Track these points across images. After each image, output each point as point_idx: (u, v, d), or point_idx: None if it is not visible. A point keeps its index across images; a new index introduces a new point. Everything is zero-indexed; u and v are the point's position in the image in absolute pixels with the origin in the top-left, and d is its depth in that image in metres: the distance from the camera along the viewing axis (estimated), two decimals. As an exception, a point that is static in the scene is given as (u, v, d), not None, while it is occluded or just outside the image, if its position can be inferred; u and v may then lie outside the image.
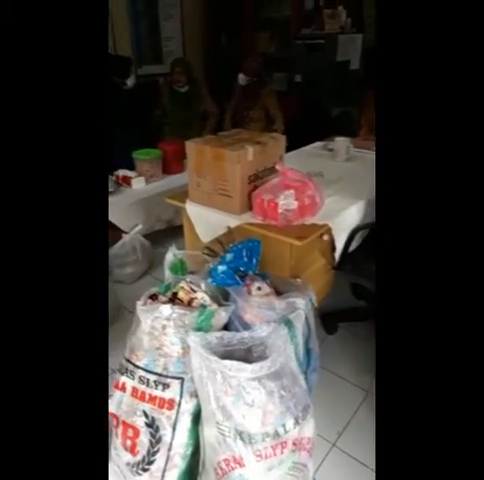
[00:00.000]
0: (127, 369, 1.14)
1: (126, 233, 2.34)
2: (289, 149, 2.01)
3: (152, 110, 3.33)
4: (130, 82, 2.99)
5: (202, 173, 1.43)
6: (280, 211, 1.40)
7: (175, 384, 1.09)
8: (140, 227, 2.36)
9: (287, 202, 1.39)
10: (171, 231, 2.59)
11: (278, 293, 1.26)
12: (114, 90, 2.91)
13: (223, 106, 3.42)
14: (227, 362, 0.95)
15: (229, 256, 1.31)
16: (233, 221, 1.40)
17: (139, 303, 1.12)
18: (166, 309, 1.07)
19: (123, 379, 1.14)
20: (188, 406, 1.09)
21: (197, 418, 1.10)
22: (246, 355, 1.11)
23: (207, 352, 0.97)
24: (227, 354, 1.08)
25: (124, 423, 1.14)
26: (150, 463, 1.11)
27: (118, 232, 2.34)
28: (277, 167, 1.42)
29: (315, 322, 1.27)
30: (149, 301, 1.16)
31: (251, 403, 0.96)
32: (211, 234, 1.45)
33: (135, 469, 1.13)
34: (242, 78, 3.14)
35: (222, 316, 1.14)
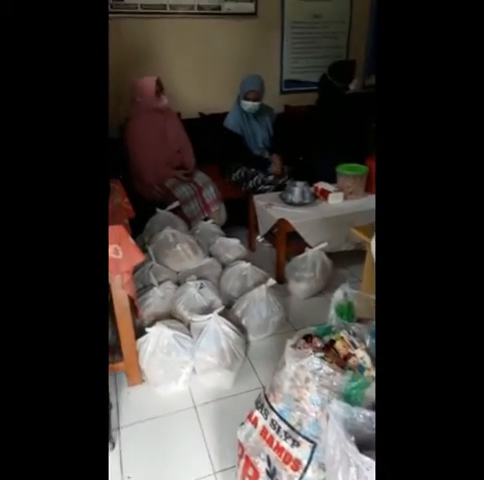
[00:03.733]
0: (263, 405, 1.07)
1: (310, 248, 2.28)
2: None
3: (369, 122, 3.13)
4: (353, 86, 2.86)
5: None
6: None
7: (306, 446, 0.96)
8: (325, 245, 2.26)
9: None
10: (358, 254, 2.40)
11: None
12: (333, 97, 2.85)
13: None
14: (367, 460, 0.76)
15: (409, 317, 1.07)
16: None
17: (289, 342, 1.02)
18: (315, 361, 0.94)
19: (256, 413, 1.08)
20: (314, 476, 0.95)
21: (321, 495, 0.94)
22: (399, 449, 0.88)
23: (346, 434, 0.80)
24: (373, 438, 0.88)
25: (247, 458, 1.08)
26: (261, 514, 1.02)
27: (303, 245, 2.31)
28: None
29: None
30: (302, 342, 1.06)
31: (386, 524, 0.74)
32: (394, 282, 1.22)
33: (246, 510, 1.07)
34: None
35: (380, 390, 0.94)
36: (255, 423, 1.08)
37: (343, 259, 2.48)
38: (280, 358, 1.06)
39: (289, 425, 0.98)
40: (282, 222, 2.28)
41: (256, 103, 2.75)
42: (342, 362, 1.02)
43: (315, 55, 3.47)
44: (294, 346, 1.02)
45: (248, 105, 2.74)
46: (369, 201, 2.44)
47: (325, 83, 2.86)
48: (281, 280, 2.30)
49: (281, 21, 3.28)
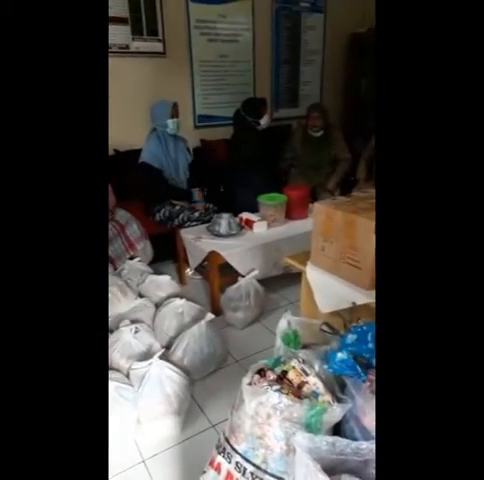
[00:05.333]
0: (224, 449, 1.04)
1: (242, 277, 2.32)
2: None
3: (282, 153, 3.35)
4: (263, 121, 3.03)
5: (329, 237, 1.31)
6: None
7: (273, 484, 0.95)
8: (256, 272, 2.32)
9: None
10: (286, 277, 2.51)
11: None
12: (248, 131, 3.00)
13: (358, 151, 3.27)
14: (338, 488, 0.79)
15: (351, 337, 1.14)
16: (360, 297, 1.24)
17: (245, 381, 1.02)
18: (274, 397, 0.96)
19: (219, 459, 1.05)
20: (285, 513, 0.95)
21: None
22: (361, 468, 0.93)
23: (315, 465, 0.82)
24: (338, 462, 0.92)
25: (213, 509, 1.04)
26: None
27: (235, 275, 2.34)
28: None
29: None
30: (256, 377, 1.07)
31: None
32: (332, 306, 1.31)
33: None
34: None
35: (336, 413, 0.98)
36: (218, 469, 1.05)
37: (273, 284, 2.56)
38: (238, 396, 1.06)
39: (254, 465, 0.97)
40: (212, 254, 2.29)
41: (179, 118, 2.77)
42: (297, 392, 1.04)
43: (225, 91, 3.64)
44: (250, 383, 1.03)
45: (176, 122, 2.74)
46: (290, 227, 2.60)
47: (239, 118, 3.01)
48: (217, 312, 2.29)
49: (190, 60, 3.39)
